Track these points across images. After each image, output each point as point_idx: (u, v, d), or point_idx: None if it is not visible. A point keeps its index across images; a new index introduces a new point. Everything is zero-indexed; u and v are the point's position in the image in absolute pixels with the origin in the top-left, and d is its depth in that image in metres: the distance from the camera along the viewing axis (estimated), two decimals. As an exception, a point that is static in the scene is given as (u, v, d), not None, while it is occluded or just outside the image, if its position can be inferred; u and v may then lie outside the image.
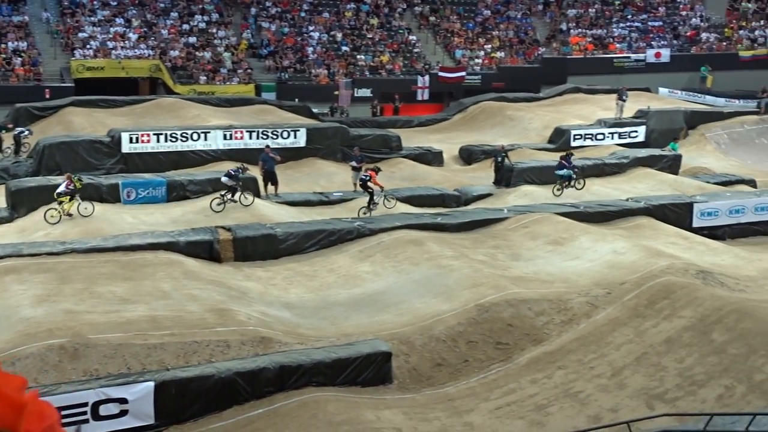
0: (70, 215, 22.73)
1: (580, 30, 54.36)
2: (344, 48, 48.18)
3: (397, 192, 27.79)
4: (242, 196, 24.72)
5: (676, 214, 24.81)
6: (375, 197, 25.29)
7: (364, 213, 24.88)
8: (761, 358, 14.46)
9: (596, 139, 37.95)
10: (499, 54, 50.96)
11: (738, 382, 14.10)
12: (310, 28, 49.02)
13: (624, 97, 40.48)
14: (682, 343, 15.59)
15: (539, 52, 51.80)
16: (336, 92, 44.00)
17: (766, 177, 35.46)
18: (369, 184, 25.29)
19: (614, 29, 55.07)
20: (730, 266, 20.96)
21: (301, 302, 18.40)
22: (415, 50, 49.66)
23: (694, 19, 56.61)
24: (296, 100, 41.91)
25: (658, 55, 52.29)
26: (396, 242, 21.19)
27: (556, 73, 49.45)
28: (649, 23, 56.01)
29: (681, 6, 57.66)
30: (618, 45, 53.54)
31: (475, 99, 44.66)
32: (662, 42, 54.09)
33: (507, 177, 30.21)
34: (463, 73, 48.25)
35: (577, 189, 28.91)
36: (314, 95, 43.76)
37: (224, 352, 15.16)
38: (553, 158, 33.39)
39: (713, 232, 24.85)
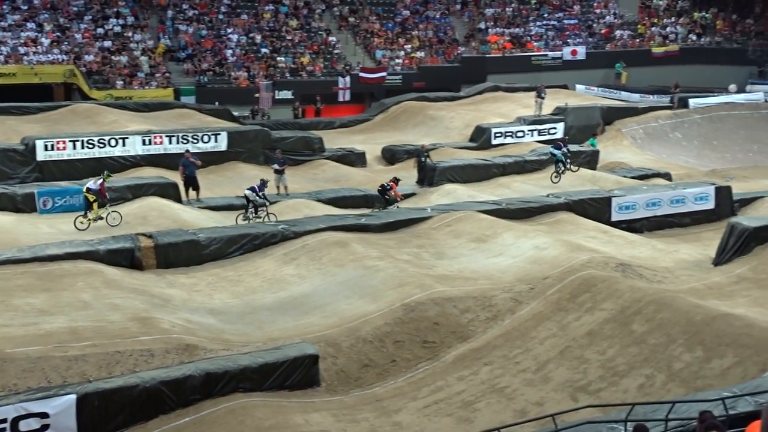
0: (100, 219, 23.09)
1: (498, 29, 55.04)
2: (264, 50, 47.89)
3: (321, 194, 27.80)
4: (267, 216, 24.37)
5: (596, 209, 25.30)
6: (391, 203, 26.13)
7: (379, 209, 25.86)
8: (679, 347, 14.85)
9: (516, 137, 38.52)
10: (419, 54, 51.28)
11: (658, 371, 14.46)
12: (229, 30, 48.59)
13: (542, 95, 41.15)
14: (604, 335, 15.91)
15: (459, 52, 52.30)
16: (256, 95, 43.70)
17: (680, 170, 36.48)
18: (390, 193, 26.23)
19: (531, 28, 55.93)
20: (648, 258, 21.47)
21: (226, 308, 18.23)
22: (336, 51, 49.65)
23: (608, 17, 57.85)
24: (216, 103, 41.51)
25: (574, 52, 53.28)
26: (321, 244, 21.15)
27: (476, 72, 50.01)
28: (565, 21, 57.04)
29: (595, 4, 58.86)
30: (535, 43, 54.39)
31: (397, 99, 44.90)
32: (578, 40, 55.14)
33: (430, 176, 30.45)
34: (384, 74, 48.43)
35: (572, 171, 30.74)
36: (234, 98, 43.38)
37: (148, 362, 14.93)
38: (475, 156, 33.84)
39: (631, 226, 25.42)
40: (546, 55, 53.32)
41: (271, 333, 16.78)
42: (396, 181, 26.77)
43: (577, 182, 30.36)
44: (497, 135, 38.20)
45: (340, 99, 47.28)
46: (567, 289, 17.77)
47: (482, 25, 55.30)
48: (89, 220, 23.13)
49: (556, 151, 30.91)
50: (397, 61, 50.41)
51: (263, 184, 24.98)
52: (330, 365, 15.69)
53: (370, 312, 17.27)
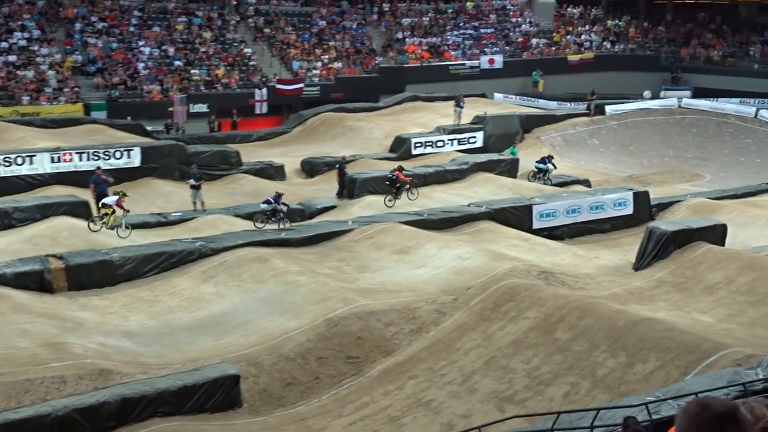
0: (113, 228, 23.87)
1: (415, 38, 55.41)
2: (177, 63, 47.23)
3: (239, 209, 27.47)
4: (283, 221, 25.05)
5: (517, 217, 25.56)
6: (401, 191, 28.58)
7: (390, 201, 28.24)
8: (603, 354, 15.05)
9: (436, 146, 38.77)
10: (337, 64, 51.25)
11: (582, 378, 14.62)
12: (140, 43, 47.79)
13: (461, 104, 41.52)
14: (528, 344, 16.03)
15: (376, 62, 52.45)
16: (170, 108, 43.03)
17: (599, 176, 37.23)
18: (396, 181, 28.41)
19: (449, 37, 56.45)
20: (569, 265, 21.76)
21: (143, 329, 17.82)
22: (251, 63, 49.27)
23: (524, 26, 58.78)
24: (128, 118, 40.75)
25: (491, 61, 53.94)
26: (240, 261, 20.88)
27: (394, 82, 50.24)
28: (482, 30, 57.74)
29: (511, 13, 59.76)
30: (453, 52, 54.91)
31: (315, 111, 44.80)
32: (495, 48, 55.85)
33: (350, 188, 30.39)
34: (302, 85, 48.23)
35: (544, 184, 32.53)
36: (148, 112, 42.64)
37: (60, 389, 14.47)
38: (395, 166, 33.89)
39: (552, 233, 25.76)
40: (464, 64, 53.88)
41: (190, 354, 16.45)
42: (400, 168, 29.09)
43: (498, 191, 30.67)
44: (417, 145, 38.38)
45: (257, 111, 46.87)
46: (490, 298, 17.87)
47: (399, 35, 55.59)
48: (103, 223, 24.01)
49: (540, 165, 33.44)
50: (314, 72, 50.27)
51: (279, 196, 25.68)
52: (252, 385, 15.45)
53: (292, 328, 17.09)
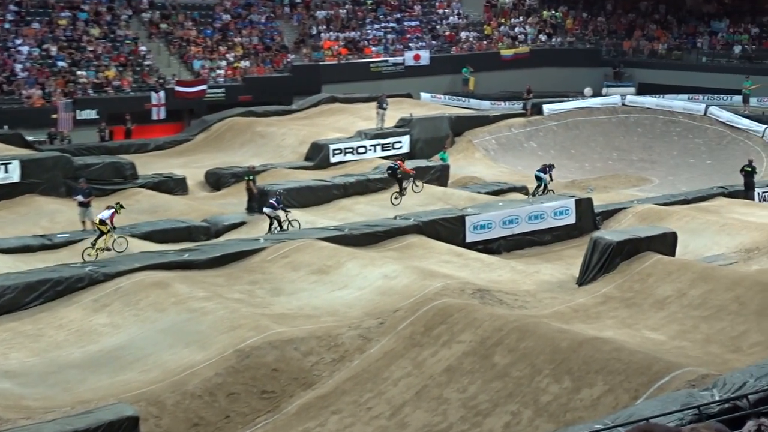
0: (108, 250, 24.38)
1: (331, 33, 55.55)
2: (61, 63, 46.46)
3: (136, 228, 27.13)
4: (289, 223, 26.82)
5: (448, 230, 25.73)
6: (405, 183, 30.56)
7: (396, 198, 30.30)
8: (546, 378, 15.22)
9: (358, 153, 38.86)
10: (244, 63, 51.05)
11: (524, 406, 14.77)
12: (17, 41, 46.88)
13: (384, 105, 41.69)
14: (464, 371, 16.14)
15: (288, 60, 52.40)
16: (54, 115, 42.25)
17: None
18: (398, 172, 30.51)
19: (369, 31, 56.75)
20: (507, 282, 22.00)
21: (25, 368, 17.43)
22: (147, 63, 48.76)
23: (452, 18, 59.44)
24: (5, 127, 39.92)
25: (417, 57, 54.39)
26: (137, 287, 20.59)
27: (309, 82, 50.26)
28: (405, 23, 58.20)
29: (437, 4, 60.37)
30: (374, 48, 55.20)
31: (220, 115, 44.52)
32: (420, 43, 56.35)
33: (262, 202, 30.24)
34: (204, 87, 47.86)
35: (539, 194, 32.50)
36: (27, 120, 41.78)
37: (-71, 440, 14.07)
38: (312, 177, 33.88)
39: (488, 246, 25.99)
40: (386, 61, 54.20)
41: (82, 395, 16.16)
42: (403, 160, 31.51)
43: (427, 201, 30.87)
44: (336, 152, 38.41)
45: (154, 117, 46.33)
46: (421, 321, 17.94)
47: (314, 30, 55.67)
48: (97, 250, 24.31)
49: (542, 175, 33.26)
50: (218, 72, 49.98)
51: (279, 196, 27.50)
52: (153, 427, 15.23)
53: (199, 362, 16.91)
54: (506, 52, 56.57)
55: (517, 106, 49.11)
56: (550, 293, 21.13)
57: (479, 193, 32.81)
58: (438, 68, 54.42)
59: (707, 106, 47.96)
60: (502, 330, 16.86)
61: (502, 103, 52.06)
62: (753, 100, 49.52)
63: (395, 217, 26.50)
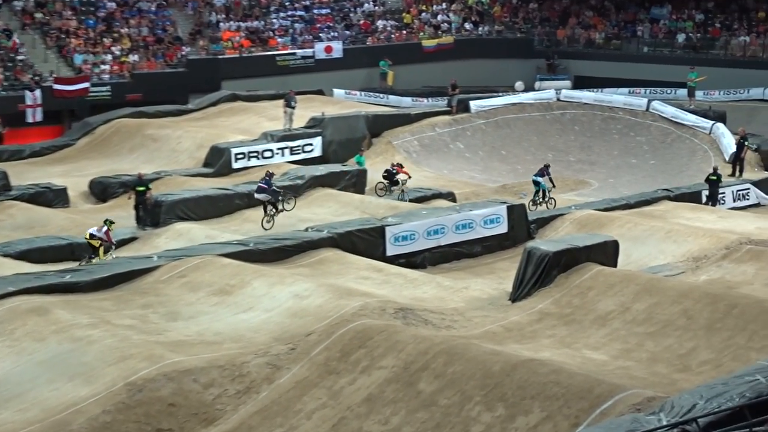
0: None
1: (232, 23, 55.31)
2: None
3: (9, 246, 26.67)
4: (284, 202, 29.77)
5: (367, 242, 25.78)
6: (400, 184, 33.46)
7: (393, 195, 33.34)
8: (477, 406, 15.31)
9: (263, 157, 38.72)
10: (132, 57, 50.57)
11: (454, 438, 14.84)
12: None
13: (293, 104, 41.59)
14: (386, 400, 16.14)
15: (183, 53, 52.04)
16: None
17: (465, 188, 38.04)
18: (397, 177, 33.70)
19: (274, 20, 56.67)
20: (433, 299, 22.08)
21: None
22: (20, 58, 48.00)
23: (366, 5, 59.67)
24: None
25: (328, 49, 54.42)
26: (10, 314, 20.19)
27: (207, 78, 50.04)
28: (315, 11, 58.24)
29: (350, -11, 60.54)
30: (280, 40, 55.13)
31: (106, 117, 44.00)
32: (332, 33, 56.43)
33: (154, 214, 29.98)
34: (87, 84, 47.35)
35: (548, 207, 33.27)
36: None
37: None
38: (212, 185, 33.67)
39: (411, 260, 26.10)
40: (294, 53, 54.16)
41: (-54, 440, 15.81)
42: (400, 165, 34.24)
43: (343, 210, 30.90)
44: (239, 156, 38.22)
45: (30, 120, 45.71)
46: (336, 345, 17.92)
47: (212, 18, 55.35)
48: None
49: (539, 179, 34.00)
50: (103, 67, 49.43)
51: (270, 176, 29.90)
52: (32, 475, 14.96)
53: (84, 398, 16.66)
54: (428, 43, 56.94)
55: (441, 103, 49.40)
56: (480, 311, 21.27)
57: (401, 200, 32.95)
58: (352, 61, 54.53)
59: (650, 101, 48.83)
60: (427, 353, 16.91)
61: (425, 100, 52.40)
62: (699, 94, 50.57)
63: (307, 229, 26.46)
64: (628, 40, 58.38)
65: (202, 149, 39.32)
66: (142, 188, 30.47)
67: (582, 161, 45.23)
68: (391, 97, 52.65)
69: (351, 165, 37.27)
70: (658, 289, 20.78)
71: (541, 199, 33.77)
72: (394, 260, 25.62)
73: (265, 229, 28.67)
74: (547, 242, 24.16)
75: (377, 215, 28.87)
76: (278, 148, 39.46)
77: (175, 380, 17.08)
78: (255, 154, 38.72)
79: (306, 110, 43.05)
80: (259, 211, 29.91)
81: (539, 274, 21.86)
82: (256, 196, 29.41)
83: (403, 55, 55.32)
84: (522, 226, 28.52)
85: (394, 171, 33.83)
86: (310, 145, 40.40)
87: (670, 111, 47.18)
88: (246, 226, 29.68)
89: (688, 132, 45.84)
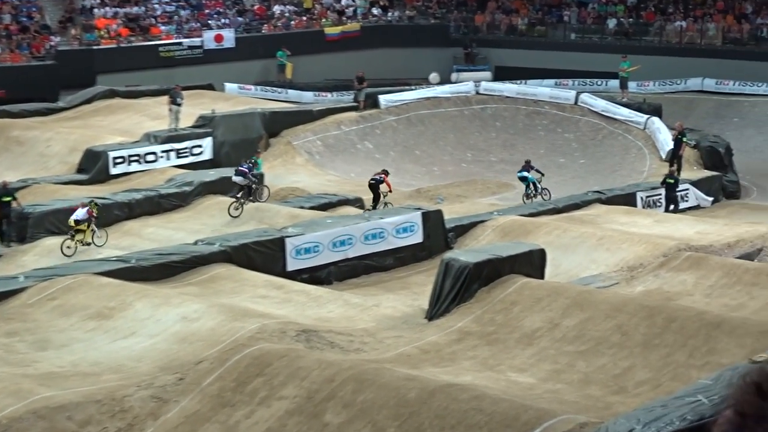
0: (87, 245, 28.29)
1: (107, 9, 54.75)
2: None
3: None
4: (258, 191, 32.08)
5: (264, 256, 25.67)
6: (383, 198, 33.24)
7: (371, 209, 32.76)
8: (392, 439, 15.33)
9: (146, 162, 38.35)
10: (-7, 49, 49.90)
11: (365, 475, 14.82)
12: None
13: (179, 100, 41.26)
14: (288, 435, 16.09)
15: (52, 44, 51.38)
16: None
17: (375, 193, 38.05)
18: (381, 187, 33.32)
19: (155, 6, 56.24)
20: (340, 319, 22.06)
21: None
22: None
23: (261, -12, 59.49)
24: None
25: (219, 38, 54.19)
26: None
27: (80, 72, 49.52)
28: (203, -4, 57.96)
29: (242, -30, 60.32)
30: (163, 28, 54.71)
31: (-38, 117, 43.30)
32: (223, 21, 56.19)
33: (20, 228, 29.52)
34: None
35: (543, 199, 34.84)
36: None
37: None
38: (87, 194, 33.21)
39: (315, 275, 26.05)
40: (180, 43, 53.84)
41: None
42: (386, 173, 34.20)
43: (236, 220, 30.74)
44: (118, 161, 37.80)
45: None
46: (231, 374, 17.80)
47: (85, 3, 54.73)
48: (77, 242, 28.00)
49: (525, 173, 35.57)
50: (-41, 60, 48.65)
51: (251, 163, 32.58)
52: None
53: (-61, 442, 16.31)
54: (331, 31, 56.99)
55: (347, 98, 49.47)
56: (393, 331, 21.29)
57: (303, 208, 32.83)
58: (246, 52, 54.38)
59: (578, 94, 49.33)
60: (334, 380, 16.88)
61: (328, 95, 52.45)
62: (632, 85, 51.37)
63: (196, 243, 26.26)
64: (554, 26, 59.10)
65: (76, 153, 38.80)
66: (7, 198, 30.00)
67: (505, 161, 45.48)
68: (290, 91, 52.60)
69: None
70: (590, 303, 21.00)
71: (534, 192, 34.78)
72: (296, 276, 25.56)
73: (233, 216, 30.95)
74: (466, 252, 24.29)
75: (276, 225, 28.78)
76: (163, 151, 39.08)
77: (46, 418, 16.82)
78: (136, 158, 38.29)
79: (194, 107, 42.75)
80: (142, 222, 29.66)
81: (458, 288, 21.94)
82: (234, 179, 31.76)
83: (304, 45, 55.27)
84: (439, 234, 28.64)
85: (381, 179, 33.56)
86: (199, 146, 40.10)
87: (600, 104, 47.62)
88: (126, 241, 29.37)
89: (621, 127, 46.36)
